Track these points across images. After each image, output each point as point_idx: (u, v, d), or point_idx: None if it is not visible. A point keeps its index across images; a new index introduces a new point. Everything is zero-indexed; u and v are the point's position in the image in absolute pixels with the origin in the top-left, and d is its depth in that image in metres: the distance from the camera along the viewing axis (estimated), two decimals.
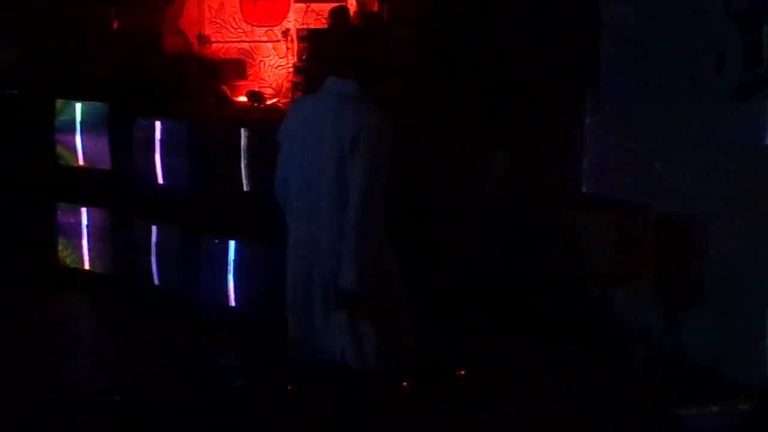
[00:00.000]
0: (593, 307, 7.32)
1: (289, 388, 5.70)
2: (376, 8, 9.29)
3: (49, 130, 8.53)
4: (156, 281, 7.99)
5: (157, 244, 7.95)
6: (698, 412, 5.94)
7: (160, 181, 7.89)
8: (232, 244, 7.51)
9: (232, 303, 7.55)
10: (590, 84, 7.59)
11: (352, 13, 9.00)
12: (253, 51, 9.82)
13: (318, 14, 9.55)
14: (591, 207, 7.18)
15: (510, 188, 7.83)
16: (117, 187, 8.23)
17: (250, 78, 9.58)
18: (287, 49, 9.49)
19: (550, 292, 7.33)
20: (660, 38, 6.95)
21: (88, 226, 8.50)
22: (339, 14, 8.71)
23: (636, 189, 7.05)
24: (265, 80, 9.66)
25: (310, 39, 9.05)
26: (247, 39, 9.82)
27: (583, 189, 7.73)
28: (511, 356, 6.87)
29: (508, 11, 7.82)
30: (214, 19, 9.88)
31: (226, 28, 9.87)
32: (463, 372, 6.57)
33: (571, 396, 6.34)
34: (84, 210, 8.52)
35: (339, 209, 4.66)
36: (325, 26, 9.08)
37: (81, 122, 8.38)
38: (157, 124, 7.86)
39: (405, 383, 6.24)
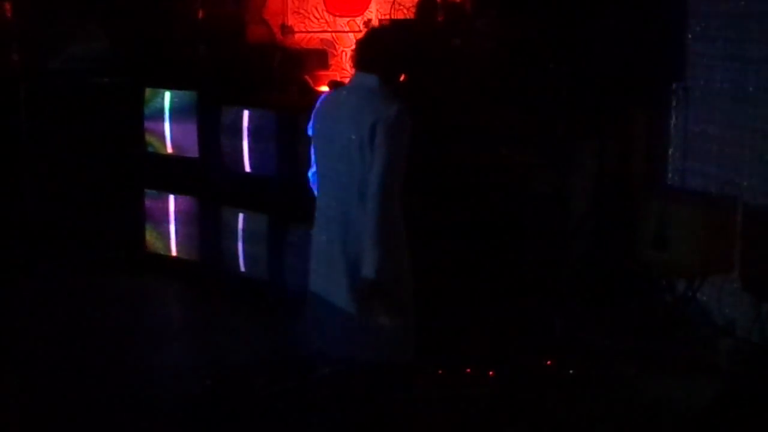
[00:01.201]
0: (679, 299, 7.32)
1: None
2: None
3: (139, 118, 8.64)
4: (242, 268, 8.07)
5: (243, 231, 8.02)
6: None
7: (247, 169, 7.96)
8: None
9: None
10: (678, 75, 7.56)
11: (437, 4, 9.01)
12: (335, 41, 9.89)
13: (400, 4, 9.58)
14: (678, 198, 7.16)
15: (596, 179, 7.83)
16: (204, 175, 8.33)
17: (331, 68, 9.65)
18: None
19: (637, 283, 7.33)
20: (748, 30, 6.91)
21: (175, 212, 8.59)
22: (425, 5, 8.75)
23: (723, 181, 7.02)
24: (346, 70, 9.69)
25: None
26: (329, 29, 9.90)
27: (669, 181, 7.72)
28: (597, 346, 6.89)
29: (595, 2, 7.81)
30: (297, 10, 9.98)
31: (309, 18, 9.97)
32: (550, 362, 6.59)
33: (656, 387, 6.34)
34: (172, 197, 8.60)
35: (362, 200, 4.73)
36: (409, 17, 9.12)
37: (170, 110, 8.46)
38: (245, 113, 7.91)
39: (491, 372, 6.38)
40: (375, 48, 4.86)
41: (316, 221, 5.00)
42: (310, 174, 5.11)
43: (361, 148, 4.68)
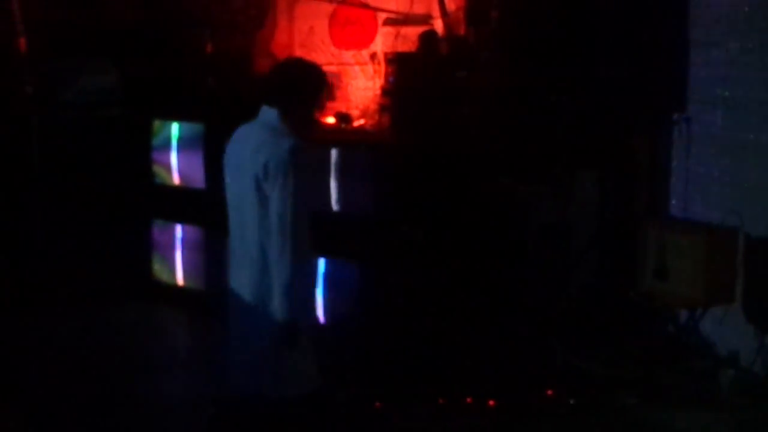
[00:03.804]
0: (681, 330, 7.32)
1: None
2: (462, 32, 9.39)
3: (147, 150, 8.77)
4: None
5: None
6: None
7: None
8: (322, 261, 7.62)
9: (321, 319, 7.67)
10: (679, 106, 7.61)
11: (440, 37, 9.08)
12: (341, 73, 9.97)
13: (405, 38, 9.67)
14: (679, 228, 7.17)
15: (599, 208, 7.86)
16: (211, 205, 8.37)
17: (337, 99, 9.72)
18: (374, 71, 9.62)
19: (638, 314, 7.34)
20: (750, 58, 6.96)
21: (182, 242, 8.69)
22: (428, 38, 8.83)
23: (725, 211, 7.03)
24: (352, 101, 9.80)
25: (397, 62, 9.18)
26: (335, 62, 9.98)
27: (671, 210, 7.75)
28: (598, 376, 6.90)
29: (595, 34, 7.86)
30: (303, 43, 10.09)
31: (315, 51, 10.06)
32: (551, 392, 6.61)
33: (658, 417, 6.35)
34: (179, 227, 8.70)
35: (262, 236, 4.73)
36: (413, 50, 9.20)
37: (177, 142, 8.56)
38: None
39: (491, 402, 6.39)
40: (275, 82, 4.87)
41: (231, 256, 5.05)
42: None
43: (257, 186, 4.66)
